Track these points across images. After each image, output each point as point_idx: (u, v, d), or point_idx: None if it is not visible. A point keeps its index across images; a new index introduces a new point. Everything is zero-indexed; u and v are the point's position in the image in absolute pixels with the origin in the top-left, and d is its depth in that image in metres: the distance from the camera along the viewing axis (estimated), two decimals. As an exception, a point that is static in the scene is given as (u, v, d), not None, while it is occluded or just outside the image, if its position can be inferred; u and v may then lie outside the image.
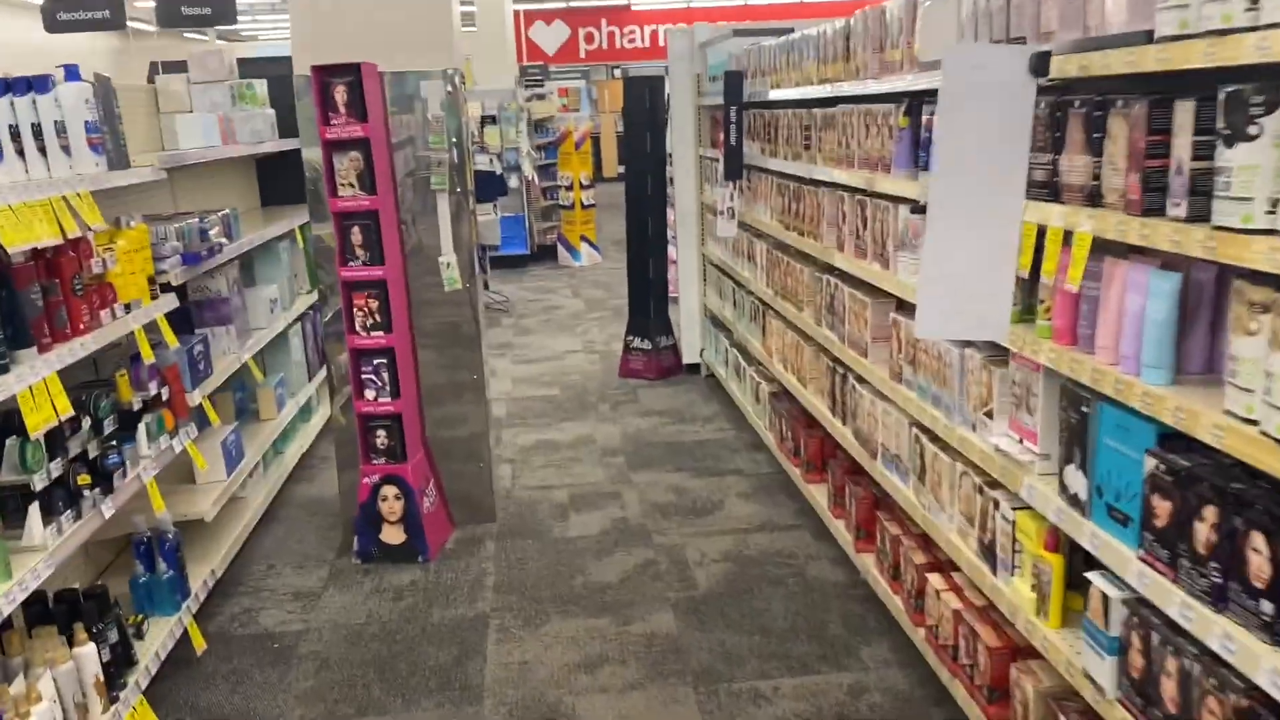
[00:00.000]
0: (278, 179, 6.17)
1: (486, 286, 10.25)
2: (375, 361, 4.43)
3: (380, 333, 4.40)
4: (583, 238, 12.39)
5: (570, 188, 12.24)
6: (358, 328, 4.40)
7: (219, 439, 4.37)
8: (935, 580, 3.24)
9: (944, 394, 3.08)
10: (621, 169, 26.69)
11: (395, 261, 4.43)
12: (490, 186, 9.59)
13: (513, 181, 12.17)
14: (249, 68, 5.70)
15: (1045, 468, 2.57)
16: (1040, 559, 2.59)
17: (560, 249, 12.57)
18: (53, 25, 5.94)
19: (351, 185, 4.30)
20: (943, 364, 3.08)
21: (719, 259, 6.52)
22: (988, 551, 2.88)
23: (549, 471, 5.50)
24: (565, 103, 15.46)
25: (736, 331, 6.10)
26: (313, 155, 4.47)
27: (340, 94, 4.23)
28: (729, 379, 6.37)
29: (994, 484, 2.85)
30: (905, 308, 3.47)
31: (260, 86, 5.45)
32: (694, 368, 7.27)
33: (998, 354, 2.81)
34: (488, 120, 12.15)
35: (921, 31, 3.06)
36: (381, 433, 4.49)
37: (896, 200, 3.45)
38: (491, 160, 9.55)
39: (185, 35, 27.79)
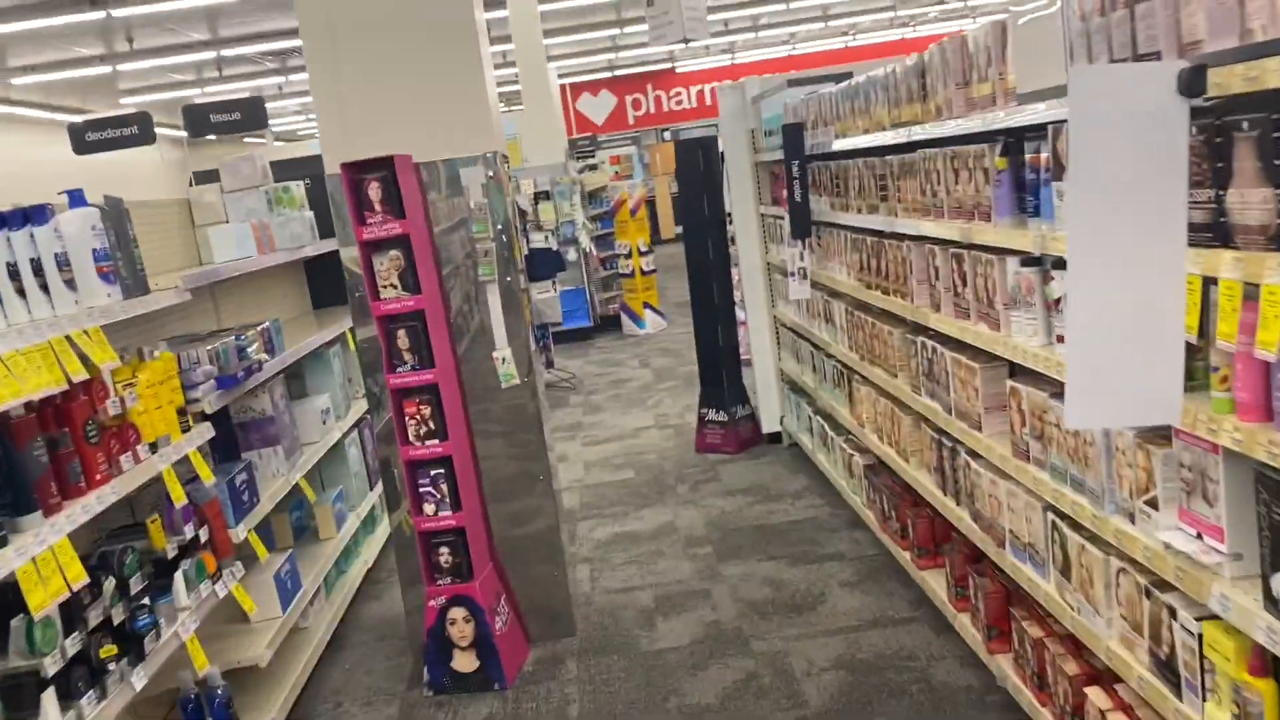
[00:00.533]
0: (328, 279, 5.92)
1: (551, 365, 9.94)
2: (432, 472, 4.06)
3: (435, 441, 4.03)
4: (646, 304, 12.05)
5: (629, 255, 11.94)
6: (411, 437, 4.04)
7: (271, 572, 4.03)
8: (1097, 697, 2.72)
9: (1087, 476, 2.59)
10: (679, 229, 26.54)
11: (447, 362, 4.08)
12: (547, 263, 9.28)
13: (570, 255, 11.91)
14: (285, 169, 5.48)
15: (1239, 571, 2.07)
16: (1245, 685, 2.07)
17: (624, 318, 12.24)
18: (81, 146, 5.83)
19: (394, 286, 3.98)
20: (1081, 441, 2.60)
21: (792, 321, 6.08)
22: (1165, 667, 2.36)
23: (630, 569, 5.06)
24: (618, 170, 15.28)
25: (819, 398, 5.63)
26: (351, 256, 4.18)
27: (375, 190, 3.93)
28: (815, 450, 5.89)
29: (1164, 585, 2.34)
30: (1023, 373, 3.00)
31: (297, 188, 5.21)
32: (775, 437, 6.81)
33: (1155, 430, 2.33)
34: (541, 196, 11.96)
35: (1016, 59, 2.64)
36: (445, 550, 4.10)
37: (1001, 252, 2.99)
38: (547, 237, 9.29)
39: (244, 139, 28.50)
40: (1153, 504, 2.30)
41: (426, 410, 4.03)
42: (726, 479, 6.25)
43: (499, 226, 4.24)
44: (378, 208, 3.93)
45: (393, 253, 3.96)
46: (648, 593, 4.76)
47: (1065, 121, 2.41)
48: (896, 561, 4.49)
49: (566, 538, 5.04)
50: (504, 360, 4.25)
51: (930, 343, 3.68)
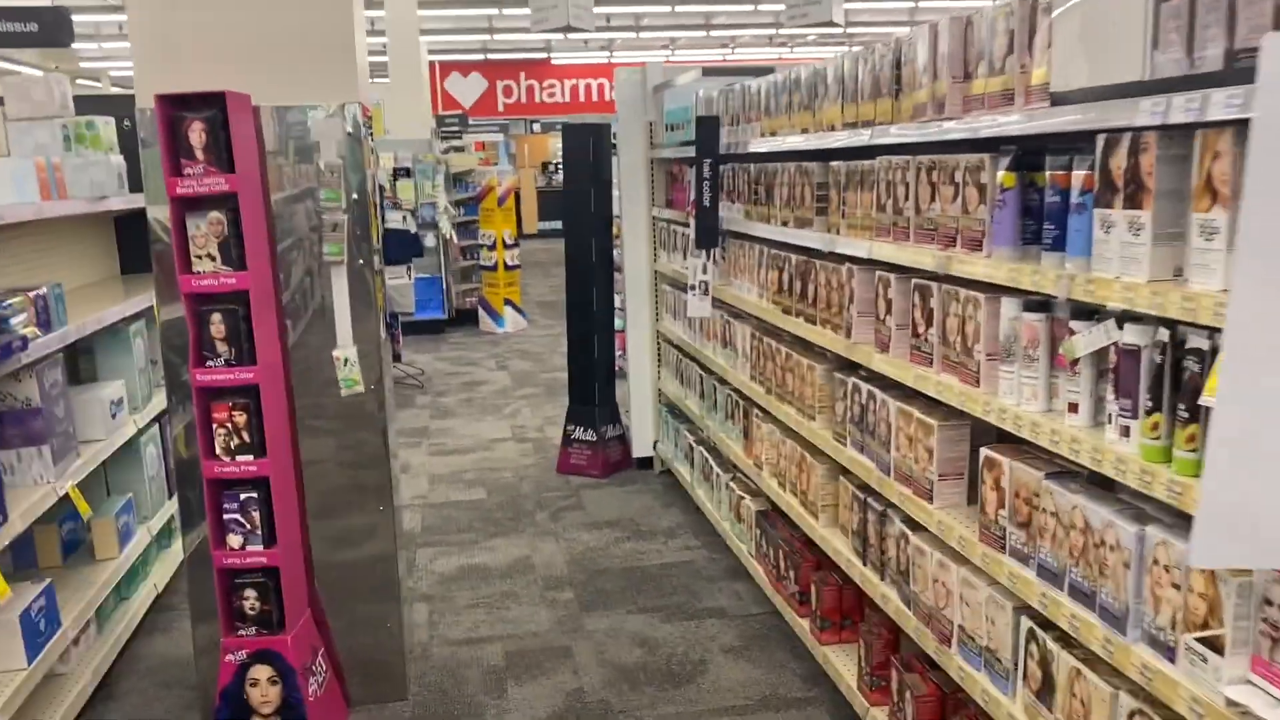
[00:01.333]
0: (142, 241, 4.89)
1: (398, 359, 9.01)
2: (242, 496, 3.21)
3: (249, 457, 3.18)
4: (507, 301, 11.25)
5: (493, 247, 11.12)
6: (218, 450, 3.18)
7: (17, 610, 3.09)
8: None
9: (1101, 588, 2.02)
10: (542, 225, 25.65)
11: (273, 359, 3.23)
12: (403, 247, 8.39)
13: (429, 240, 10.99)
14: (95, 105, 4.48)
15: (1350, 758, 1.52)
16: None
17: (482, 313, 11.40)
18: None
19: (211, 257, 3.11)
20: (1094, 540, 2.03)
21: (678, 338, 5.45)
22: None
23: (478, 614, 4.30)
24: (484, 156, 14.39)
25: (706, 428, 5.01)
26: (161, 216, 3.29)
27: (197, 134, 3.06)
28: (695, 483, 5.27)
29: (1207, 745, 1.79)
30: (1007, 440, 2.43)
31: (105, 126, 4.22)
32: (646, 462, 6.16)
33: (1216, 544, 1.77)
34: (401, 173, 11.00)
35: (1058, 47, 2.05)
36: (250, 593, 3.25)
37: (989, 290, 2.41)
38: (405, 218, 8.39)
39: (78, 83, 26.04)
40: (1213, 645, 1.74)
41: (241, 418, 3.17)
42: (592, 507, 5.56)
43: (354, 196, 3.43)
44: (199, 156, 3.06)
45: (214, 215, 3.09)
46: (497, 646, 4.01)
47: (1130, 130, 1.84)
48: (788, 626, 3.90)
49: (404, 568, 4.27)
50: (346, 362, 3.44)
51: (867, 387, 3.09)
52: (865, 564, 3.20)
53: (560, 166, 28.16)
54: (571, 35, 21.69)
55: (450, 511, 5.57)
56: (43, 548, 3.82)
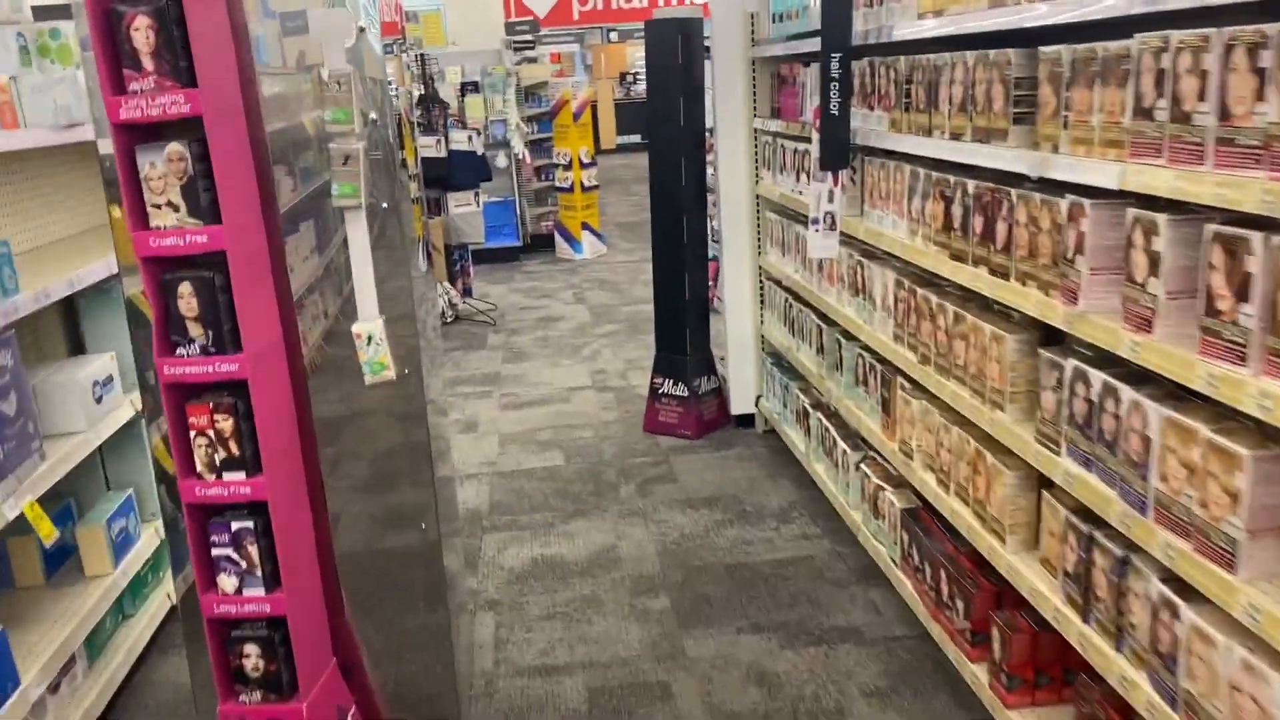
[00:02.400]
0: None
1: (468, 294, 8.19)
2: (234, 525, 2.38)
3: (239, 474, 2.34)
4: (584, 225, 10.30)
5: (568, 166, 10.13)
6: (198, 466, 2.35)
7: (-53, 679, 2.34)
8: None
9: None
10: (621, 140, 24.47)
11: (266, 343, 2.36)
12: (470, 170, 7.49)
13: (500, 161, 10.06)
14: (61, 8, 3.60)
15: None
16: None
17: (558, 239, 10.48)
18: None
19: (173, 206, 2.23)
20: None
21: (789, 278, 4.46)
22: None
23: (554, 629, 3.47)
24: (559, 68, 13.31)
25: (827, 393, 4.05)
26: (109, 151, 2.41)
27: (142, 34, 2.15)
28: (811, 455, 4.33)
29: None
30: None
31: (74, 36, 3.34)
32: (746, 419, 5.24)
33: None
34: (469, 88, 10.03)
35: None
36: (252, 650, 2.45)
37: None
38: (471, 138, 7.46)
39: None
40: None
41: (226, 422, 2.32)
42: (686, 478, 4.67)
43: (372, 116, 2.51)
44: (148, 65, 2.15)
45: (173, 148, 2.20)
46: (578, 679, 3.18)
47: None
48: (947, 661, 2.98)
49: (464, 561, 3.49)
50: (370, 340, 2.55)
51: (1103, 378, 2.10)
52: (1087, 622, 2.25)
53: (640, 76, 26.85)
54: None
55: (522, 483, 4.74)
56: (20, 564, 3.08)
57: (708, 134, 5.21)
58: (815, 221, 3.53)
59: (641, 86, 25.88)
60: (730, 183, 4.96)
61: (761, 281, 5.02)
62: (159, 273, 2.26)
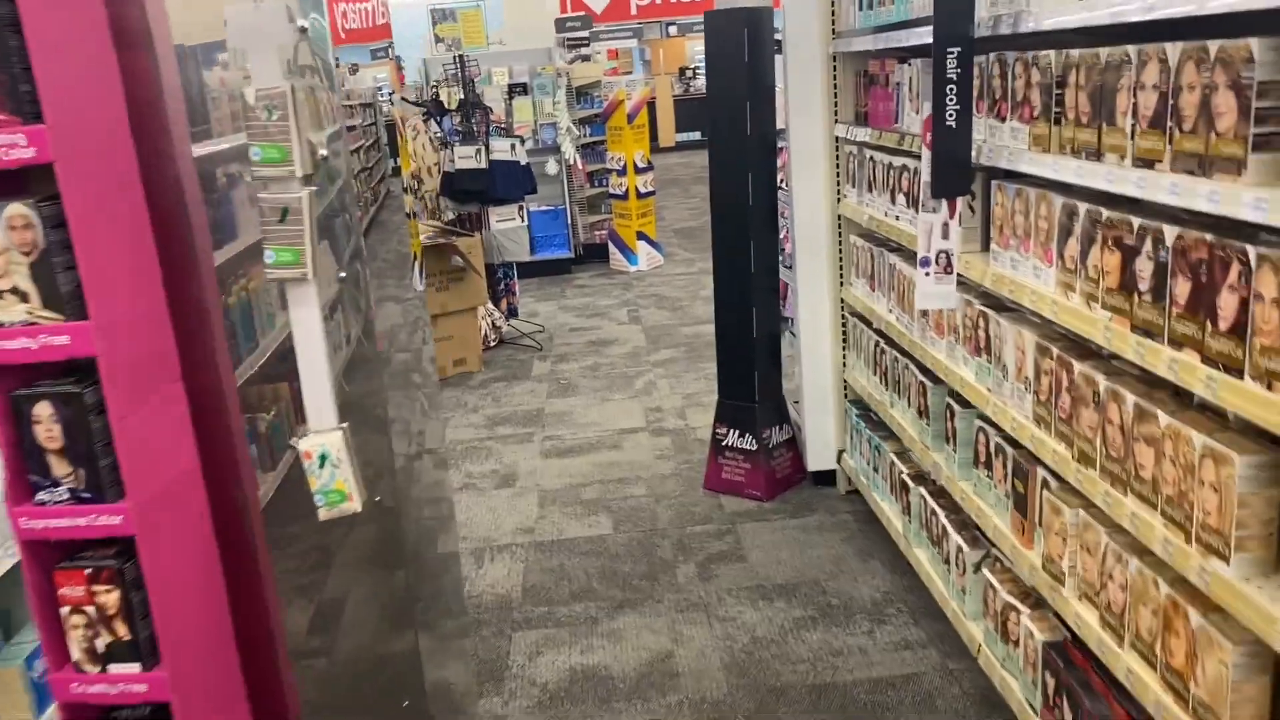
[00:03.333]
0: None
1: (513, 315, 7.51)
2: (132, 735, 1.69)
3: (130, 667, 1.66)
4: (640, 235, 9.56)
5: (623, 172, 9.40)
6: (74, 655, 1.67)
7: None
8: None
9: None
10: (680, 138, 23.70)
11: (170, 480, 1.67)
12: (513, 182, 6.80)
13: (550, 167, 9.38)
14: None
15: None
16: None
17: (612, 249, 9.76)
18: None
19: (19, 295, 1.55)
20: None
21: (879, 317, 3.68)
22: None
23: (594, 781, 2.75)
24: (616, 65, 12.61)
25: (933, 466, 3.26)
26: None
27: (-29, 42, 1.47)
28: (909, 536, 3.54)
29: None
30: None
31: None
32: (825, 475, 4.47)
33: None
34: (516, 90, 9.35)
35: None
36: None
37: None
38: (515, 146, 6.76)
39: None
40: None
41: (109, 597, 1.64)
42: (755, 554, 3.92)
43: (321, 153, 1.80)
44: (-23, 89, 1.47)
45: (13, 211, 1.52)
46: None
47: None
48: None
49: (491, 669, 2.82)
50: (324, 461, 1.84)
51: None
52: None
53: (701, 70, 26.00)
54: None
55: (563, 558, 4.03)
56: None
57: (779, 143, 4.44)
58: (925, 262, 2.75)
59: (702, 81, 25.06)
60: (806, 201, 4.18)
61: (844, 317, 4.24)
62: (5, 388, 1.57)
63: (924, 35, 2.96)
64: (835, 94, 4.04)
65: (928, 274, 2.74)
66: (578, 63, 10.52)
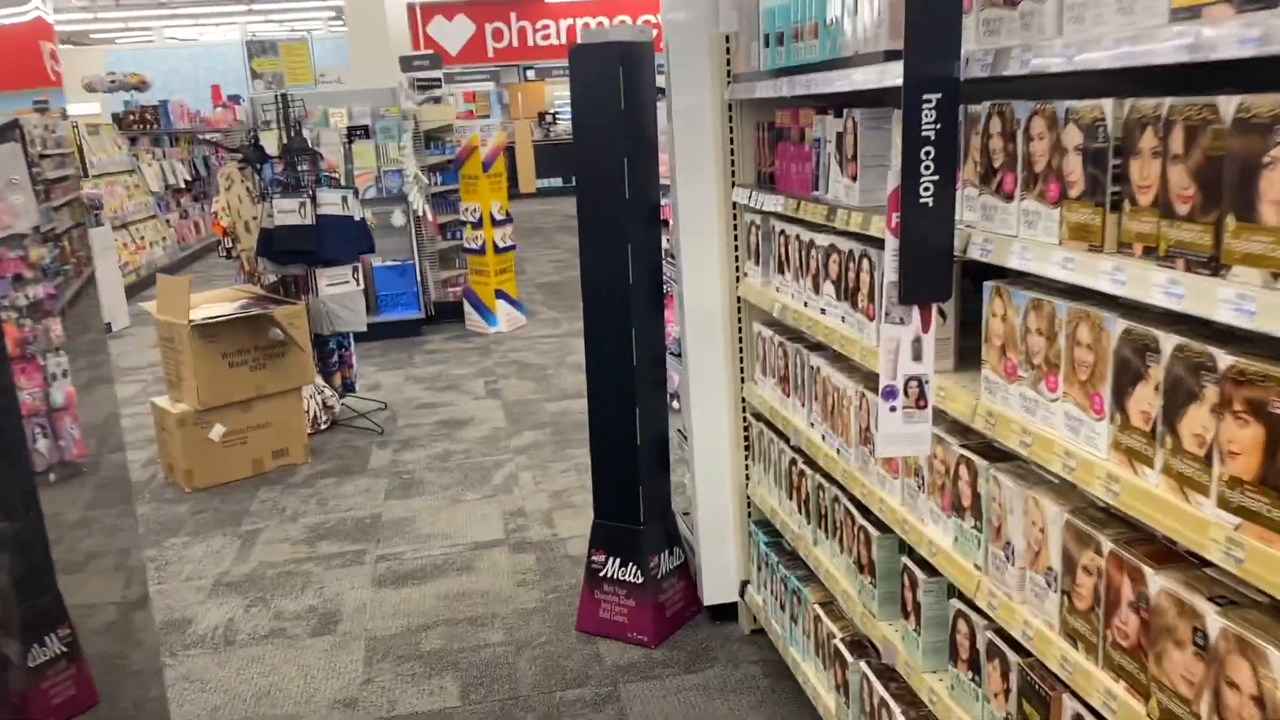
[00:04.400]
0: None
1: (349, 390, 6.45)
2: None
3: None
4: (499, 293, 8.63)
5: (479, 224, 8.47)
6: None
7: None
8: None
9: None
10: (542, 184, 22.90)
11: None
12: (344, 239, 5.80)
13: (397, 218, 8.38)
14: None
15: None
16: None
17: (468, 309, 8.79)
18: None
19: None
20: None
21: (798, 431, 2.88)
22: None
23: None
24: (473, 109, 11.70)
25: (883, 641, 2.45)
26: None
27: None
28: (839, 713, 2.72)
29: None
30: None
31: None
32: (724, 610, 3.63)
33: None
34: (357, 134, 8.34)
35: None
36: None
37: None
38: (347, 199, 5.76)
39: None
40: None
41: None
42: (644, 734, 3.04)
43: None
44: None
45: None
46: None
47: None
48: None
49: None
50: None
51: None
52: None
53: (562, 114, 25.32)
54: (566, -33, 18.74)
55: (394, 747, 3.04)
56: None
57: (663, 206, 3.62)
58: (890, 394, 1.94)
59: (565, 125, 24.36)
60: (696, 279, 3.37)
61: (746, 419, 3.43)
62: None
63: (856, 79, 2.21)
64: (732, 150, 3.26)
65: (894, 409, 1.94)
66: (427, 104, 9.56)
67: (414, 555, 4.37)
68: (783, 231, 2.92)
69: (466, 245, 8.69)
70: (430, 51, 11.87)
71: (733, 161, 3.27)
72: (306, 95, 7.37)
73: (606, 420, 3.57)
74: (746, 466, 3.46)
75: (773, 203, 2.92)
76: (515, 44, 22.50)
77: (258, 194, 5.85)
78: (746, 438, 3.44)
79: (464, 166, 8.53)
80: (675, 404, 3.86)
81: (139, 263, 11.65)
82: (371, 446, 5.86)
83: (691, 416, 3.49)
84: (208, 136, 10.87)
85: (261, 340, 5.36)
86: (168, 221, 12.78)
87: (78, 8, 19.80)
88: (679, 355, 3.64)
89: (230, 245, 6.00)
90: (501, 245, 8.61)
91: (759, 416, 3.32)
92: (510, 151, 17.58)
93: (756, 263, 3.20)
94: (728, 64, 3.21)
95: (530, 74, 22.87)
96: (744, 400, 3.40)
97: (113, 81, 11.96)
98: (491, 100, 15.94)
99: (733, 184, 3.27)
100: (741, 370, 3.39)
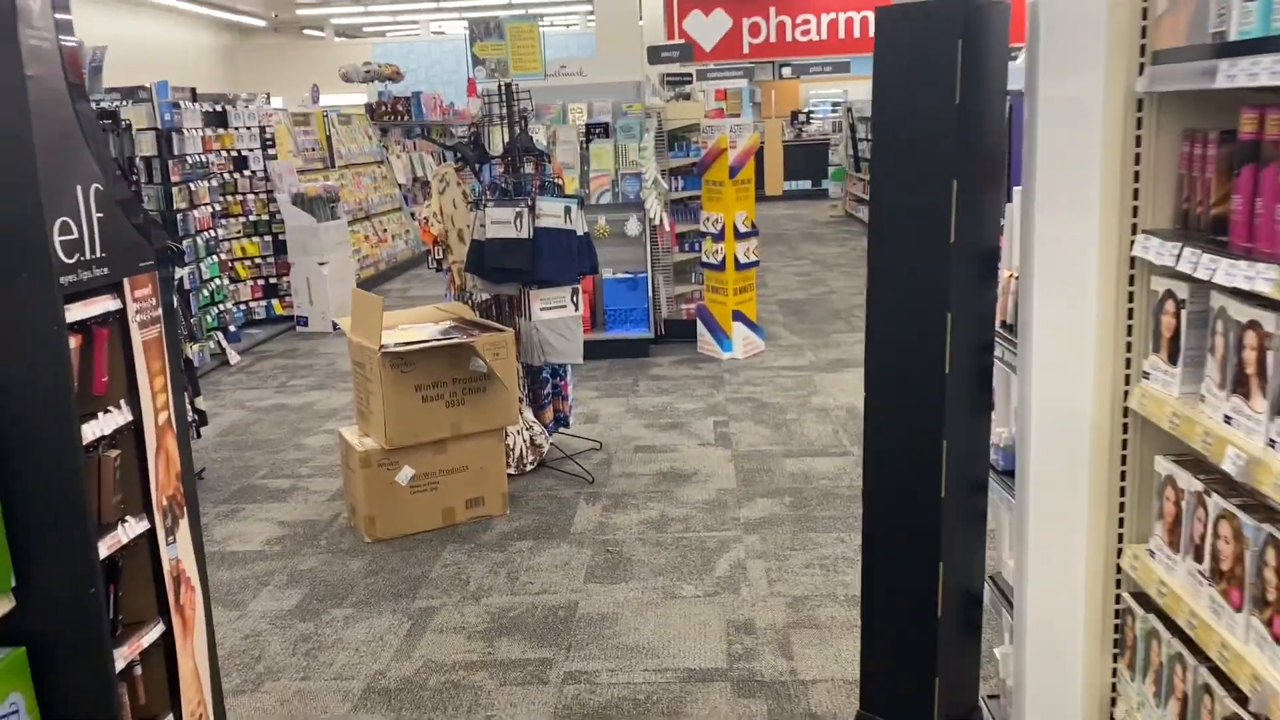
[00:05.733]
0: None
1: (563, 425, 5.57)
2: None
3: None
4: (737, 315, 7.56)
5: (720, 236, 7.43)
6: None
7: None
8: None
9: None
10: (789, 185, 21.66)
11: None
12: (564, 257, 4.89)
13: (630, 226, 7.47)
14: None
15: None
16: None
17: (701, 329, 7.77)
18: None
19: None
20: None
21: (1222, 643, 1.59)
22: None
23: None
24: (724, 107, 10.69)
25: None
26: None
27: None
28: None
29: None
30: None
31: None
32: None
33: None
34: (595, 132, 7.49)
35: None
36: None
37: None
38: (569, 210, 4.85)
39: (304, 32, 24.37)
40: None
41: None
42: None
43: None
44: None
45: None
46: None
47: None
48: None
49: None
50: None
51: None
52: None
53: (816, 113, 23.89)
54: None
55: None
56: None
57: (998, 260, 2.39)
58: None
59: (817, 125, 22.93)
60: (1053, 374, 2.12)
61: (1122, 603, 2.15)
62: None
63: None
64: (1136, 176, 1.99)
65: None
66: (675, 101, 8.62)
67: (610, 679, 3.36)
68: (1250, 323, 1.64)
69: (705, 259, 7.66)
70: (682, 41, 10.93)
71: (1135, 193, 2.00)
72: (539, 86, 6.57)
73: (890, 576, 2.38)
74: (1114, 674, 2.18)
75: (1233, 271, 1.64)
76: (773, 39, 21.32)
77: (474, 199, 5.04)
78: (1119, 630, 2.16)
79: (709, 170, 7.49)
80: (989, 541, 2.61)
81: (379, 256, 11.43)
82: (579, 500, 4.93)
83: (1026, 577, 2.24)
84: (431, 136, 10.45)
85: (461, 372, 4.53)
86: (412, 215, 12.58)
87: (349, 0, 20.43)
88: (1003, 473, 2.41)
89: (440, 256, 5.23)
90: (744, 261, 7.52)
91: (1150, 606, 2.04)
92: (759, 153, 16.52)
93: (1170, 360, 1.92)
94: (1142, 35, 1.94)
95: (786, 71, 21.63)
96: (1121, 572, 2.13)
97: (368, 72, 11.82)
98: (743, 98, 14.86)
99: (1134, 228, 2.01)
100: (1122, 528, 2.11)
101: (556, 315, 4.95)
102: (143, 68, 16.62)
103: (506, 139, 5.12)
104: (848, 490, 4.89)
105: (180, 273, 7.34)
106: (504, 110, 5.08)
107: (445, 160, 5.51)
